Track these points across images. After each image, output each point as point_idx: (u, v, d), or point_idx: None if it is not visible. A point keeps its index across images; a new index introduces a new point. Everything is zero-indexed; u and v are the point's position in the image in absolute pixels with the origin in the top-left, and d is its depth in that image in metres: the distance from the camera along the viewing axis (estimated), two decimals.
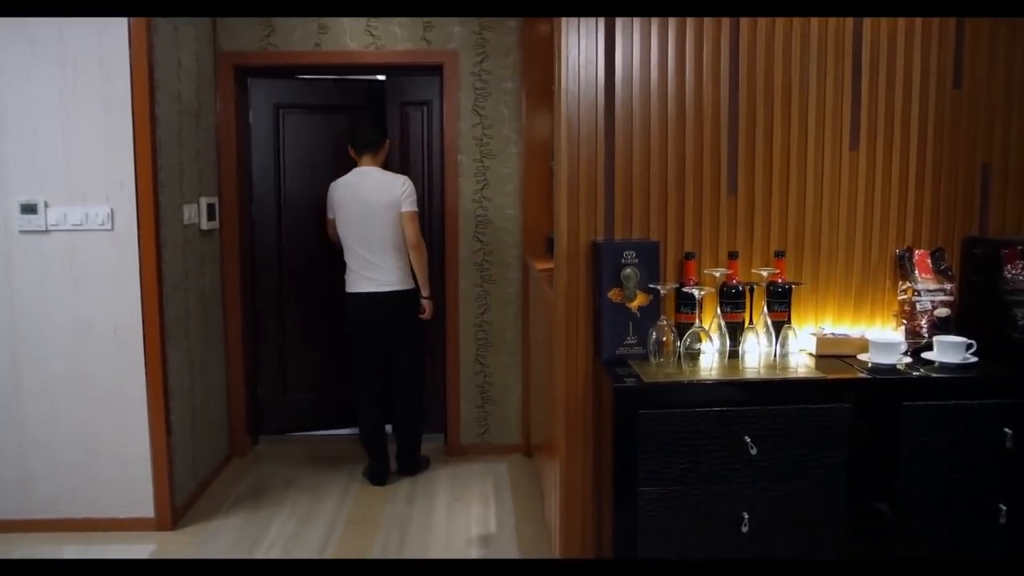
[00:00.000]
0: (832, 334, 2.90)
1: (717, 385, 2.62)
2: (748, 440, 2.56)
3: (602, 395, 2.84)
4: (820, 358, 2.82)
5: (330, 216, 4.50)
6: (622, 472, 2.59)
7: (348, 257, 4.40)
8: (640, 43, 2.86)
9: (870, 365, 2.73)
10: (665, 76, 2.88)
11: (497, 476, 4.64)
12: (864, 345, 2.81)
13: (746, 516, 2.59)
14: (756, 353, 2.76)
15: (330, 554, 3.73)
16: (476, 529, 3.98)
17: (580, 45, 2.85)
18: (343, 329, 4.61)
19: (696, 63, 2.88)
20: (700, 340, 2.74)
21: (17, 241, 3.80)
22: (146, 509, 3.94)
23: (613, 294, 2.81)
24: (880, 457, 2.63)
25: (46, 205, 3.78)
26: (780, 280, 2.83)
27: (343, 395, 5.15)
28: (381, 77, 5.16)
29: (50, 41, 3.71)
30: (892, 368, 2.70)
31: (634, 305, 2.81)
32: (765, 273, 2.80)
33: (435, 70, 4.76)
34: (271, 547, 3.78)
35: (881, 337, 2.81)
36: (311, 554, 3.72)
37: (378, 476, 4.53)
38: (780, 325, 2.78)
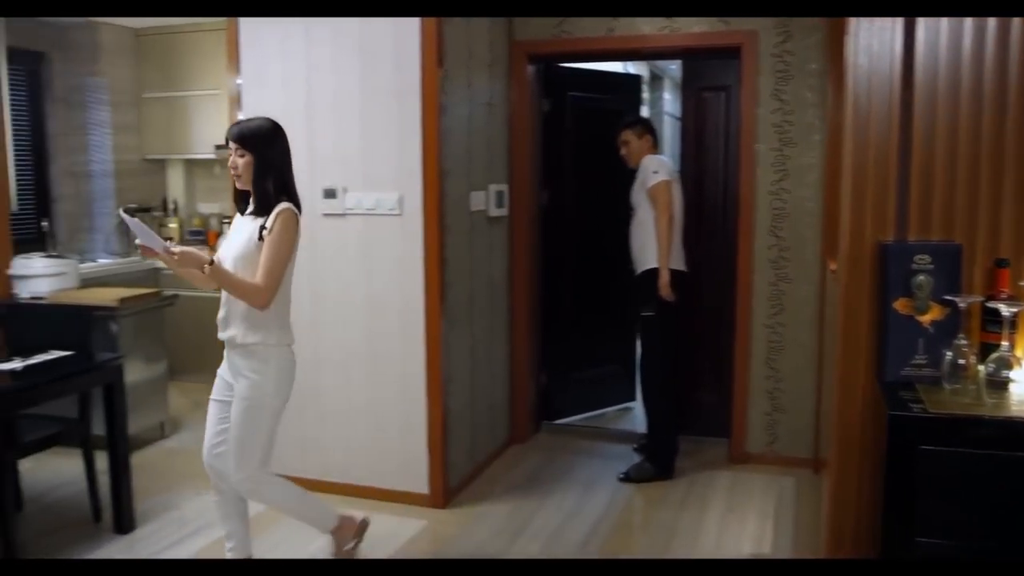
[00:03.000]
0: None
1: None
2: None
3: (882, 420, 2.44)
4: None
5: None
6: (894, 516, 2.20)
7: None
8: None
9: None
10: (982, 37, 2.38)
11: (781, 491, 4.25)
12: None
13: None
14: None
15: (590, 553, 3.62)
16: (748, 547, 3.66)
17: None
18: (659, 312, 4.33)
19: None
20: (1009, 367, 2.25)
21: (320, 223, 4.08)
22: (422, 485, 4.08)
23: (901, 304, 2.41)
24: None
25: (344, 190, 4.02)
26: None
27: (614, 374, 5.33)
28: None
29: (352, 35, 3.93)
30: None
31: (926, 319, 2.38)
32: None
33: (733, 53, 4.44)
34: (532, 539, 3.75)
35: None
36: (571, 552, 3.64)
37: (672, 468, 4.43)
38: None
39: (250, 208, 3.02)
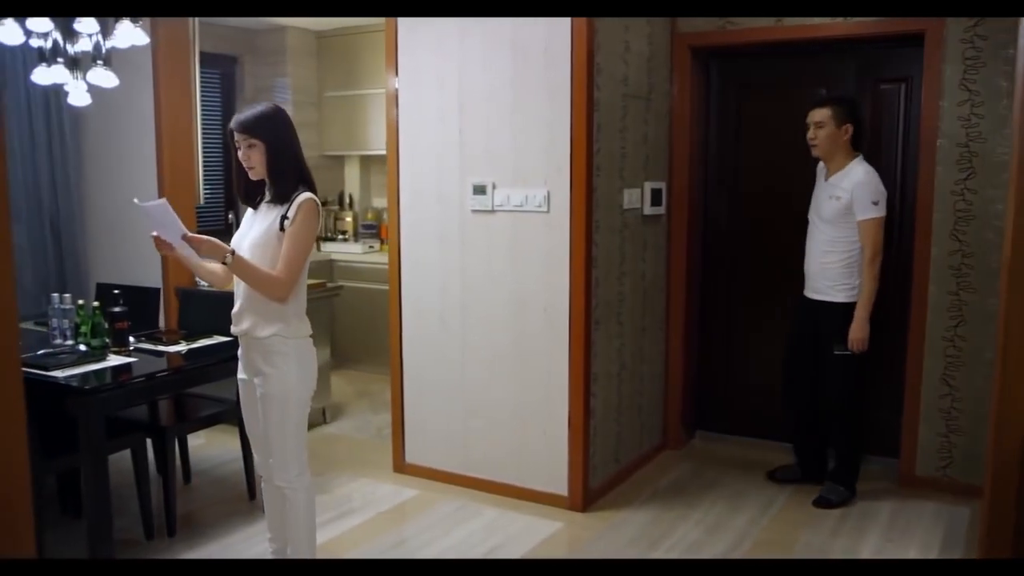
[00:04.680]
0: None
1: None
2: None
3: None
4: None
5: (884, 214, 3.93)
6: None
7: None
8: None
9: None
10: None
11: (952, 522, 3.87)
12: None
13: None
14: None
15: None
16: None
17: None
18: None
19: None
20: None
21: (469, 219, 4.11)
22: (561, 486, 4.02)
23: None
24: None
25: (494, 187, 4.02)
26: None
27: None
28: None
29: (504, 32, 3.92)
30: None
31: None
32: None
33: (915, 40, 4.07)
34: (669, 551, 3.61)
35: None
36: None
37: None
38: None
39: (267, 197, 2.93)
